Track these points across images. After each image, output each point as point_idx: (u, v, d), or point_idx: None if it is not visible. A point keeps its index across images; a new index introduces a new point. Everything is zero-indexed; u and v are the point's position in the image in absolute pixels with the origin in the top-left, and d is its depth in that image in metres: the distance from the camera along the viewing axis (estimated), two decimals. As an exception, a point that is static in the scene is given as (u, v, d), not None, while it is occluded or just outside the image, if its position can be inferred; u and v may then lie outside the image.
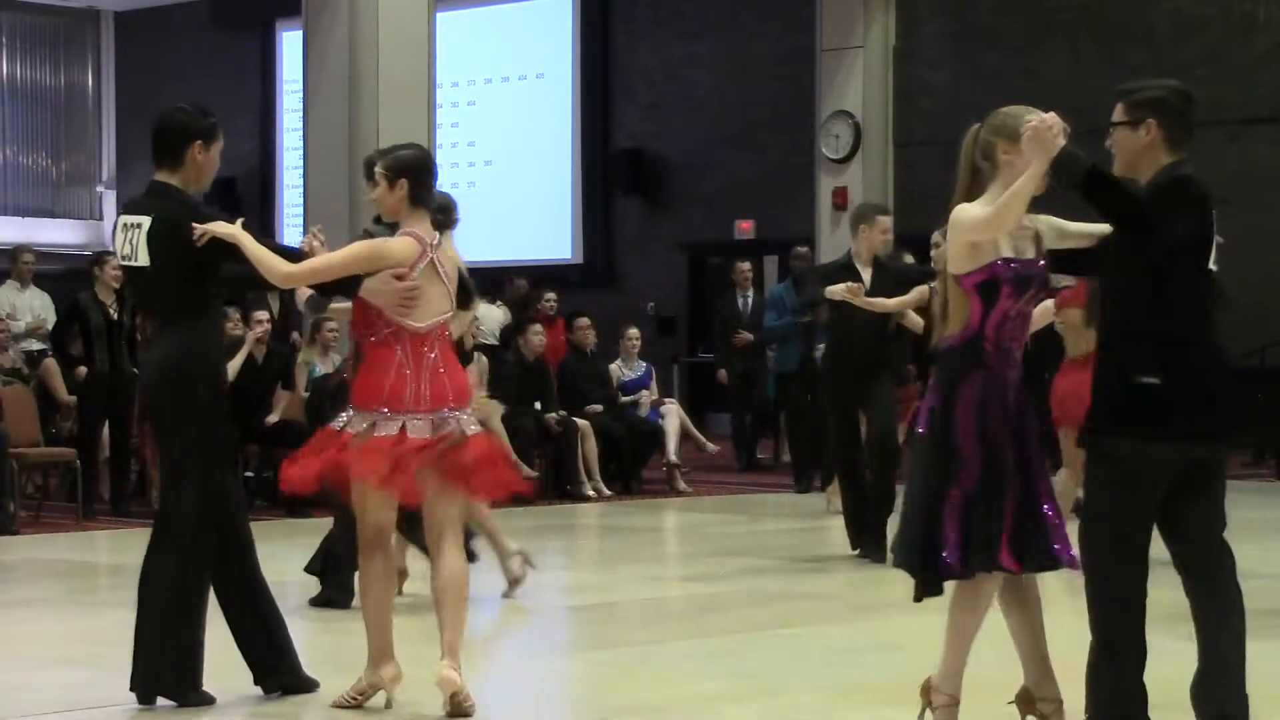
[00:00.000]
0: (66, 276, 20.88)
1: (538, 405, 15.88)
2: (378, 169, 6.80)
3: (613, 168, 24.82)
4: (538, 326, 16.36)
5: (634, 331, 17.41)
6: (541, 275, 21.04)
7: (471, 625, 9.33)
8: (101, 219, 28.97)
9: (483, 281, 18.83)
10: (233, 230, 6.69)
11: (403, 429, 6.59)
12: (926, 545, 5.82)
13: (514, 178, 25.52)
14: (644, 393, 17.05)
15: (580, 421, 15.98)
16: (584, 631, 9.16)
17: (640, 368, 17.27)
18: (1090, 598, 5.77)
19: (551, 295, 18.65)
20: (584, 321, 16.98)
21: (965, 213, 5.85)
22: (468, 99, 25.85)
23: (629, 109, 25.11)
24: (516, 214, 25.43)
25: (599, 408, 16.42)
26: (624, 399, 16.89)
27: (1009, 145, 5.81)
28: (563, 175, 25.45)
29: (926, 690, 6.00)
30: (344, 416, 6.73)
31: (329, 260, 6.68)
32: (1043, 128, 5.63)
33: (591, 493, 15.74)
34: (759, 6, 23.63)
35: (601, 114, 25.23)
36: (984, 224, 5.79)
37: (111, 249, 9.69)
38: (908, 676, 6.77)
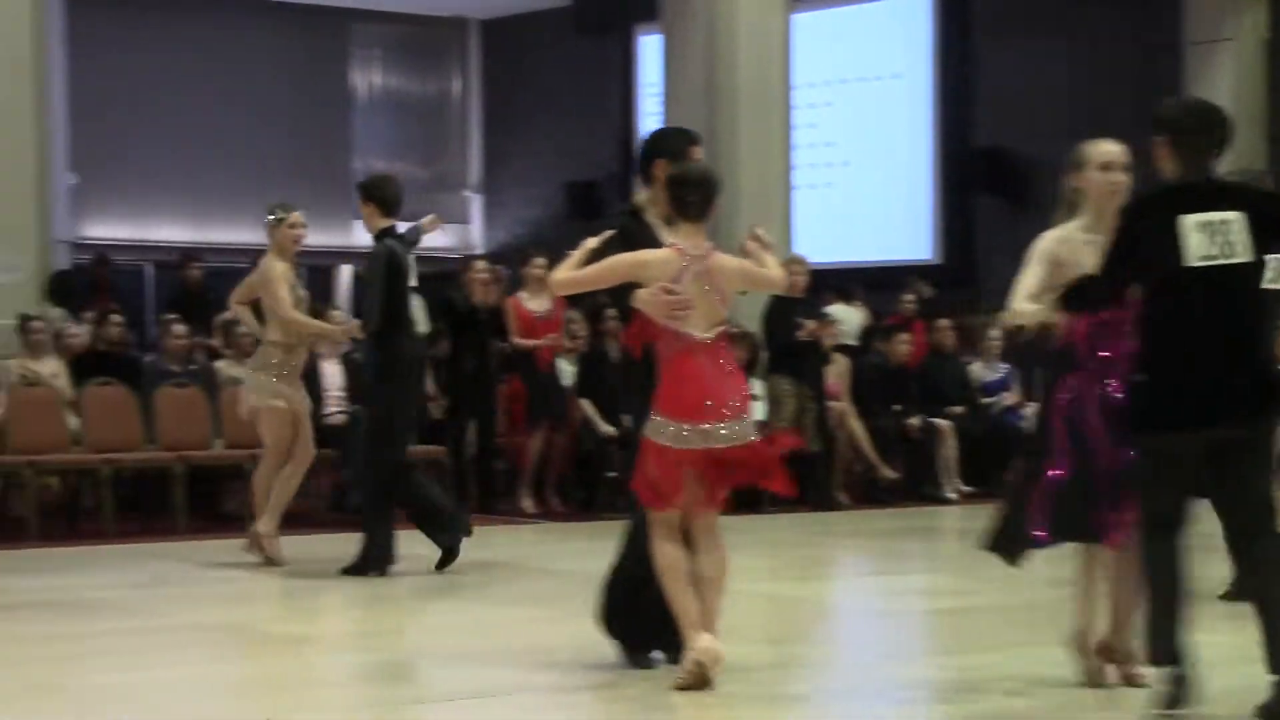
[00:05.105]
0: (436, 279, 21.40)
1: (897, 408, 15.84)
2: None
3: (972, 168, 24.52)
4: (905, 335, 16.26)
5: (995, 333, 17.14)
6: (898, 276, 20.90)
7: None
8: (469, 223, 29.69)
9: (840, 282, 18.93)
10: None
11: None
12: None
13: (871, 178, 25.41)
14: (1005, 394, 16.83)
15: (940, 423, 15.85)
16: (945, 635, 9.09)
17: (1001, 369, 17.01)
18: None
19: (910, 297, 18.51)
20: (944, 323, 16.84)
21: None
22: (825, 100, 25.82)
23: (988, 109, 24.79)
24: (872, 214, 25.32)
25: (959, 409, 16.26)
26: (984, 400, 16.68)
27: (1077, 174, 7.17)
28: (920, 175, 25.25)
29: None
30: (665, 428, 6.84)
31: (589, 273, 7.04)
32: None
33: (951, 494, 15.61)
34: (1118, 3, 23.14)
35: (960, 114, 24.96)
36: None
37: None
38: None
